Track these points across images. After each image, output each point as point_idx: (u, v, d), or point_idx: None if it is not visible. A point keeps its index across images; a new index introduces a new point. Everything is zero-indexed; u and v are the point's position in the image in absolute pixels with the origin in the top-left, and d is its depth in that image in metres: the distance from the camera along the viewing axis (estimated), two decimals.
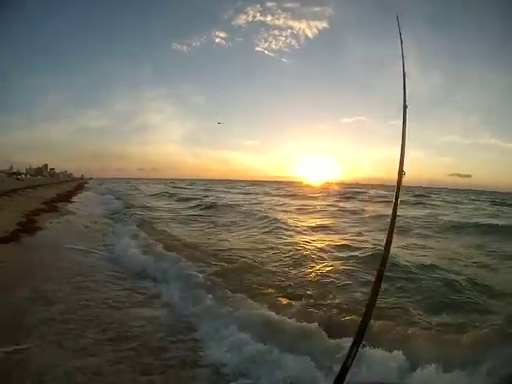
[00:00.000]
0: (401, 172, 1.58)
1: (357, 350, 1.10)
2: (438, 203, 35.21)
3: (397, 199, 1.50)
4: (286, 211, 22.49)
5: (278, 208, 24.53)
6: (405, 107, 1.75)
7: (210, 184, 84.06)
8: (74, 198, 25.28)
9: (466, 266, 8.86)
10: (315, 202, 30.94)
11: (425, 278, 7.38)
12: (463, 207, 31.26)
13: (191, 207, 24.03)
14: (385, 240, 1.36)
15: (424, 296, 6.38)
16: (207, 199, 29.03)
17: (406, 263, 8.31)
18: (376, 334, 4.39)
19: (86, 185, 58.36)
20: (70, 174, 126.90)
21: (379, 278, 1.28)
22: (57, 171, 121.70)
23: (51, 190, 29.16)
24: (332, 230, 14.59)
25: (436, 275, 7.51)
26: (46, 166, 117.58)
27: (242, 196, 39.46)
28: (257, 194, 45.66)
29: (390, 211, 1.46)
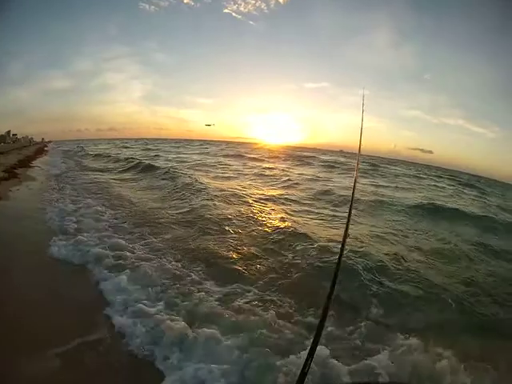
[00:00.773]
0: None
1: (312, 357, 1.14)
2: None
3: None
4: (210, 173, 22.77)
5: (210, 170, 24.50)
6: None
7: (163, 143, 78.64)
8: (34, 163, 25.29)
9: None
10: (250, 164, 31.17)
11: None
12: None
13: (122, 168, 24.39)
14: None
15: None
16: (143, 160, 27.50)
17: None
18: None
19: (45, 148, 56.36)
20: (31, 138, 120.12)
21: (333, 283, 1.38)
22: (19, 136, 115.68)
23: (12, 157, 28.61)
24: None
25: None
26: (8, 132, 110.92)
27: (182, 156, 37.92)
28: (205, 154, 43.86)
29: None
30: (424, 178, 36.30)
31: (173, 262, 6.72)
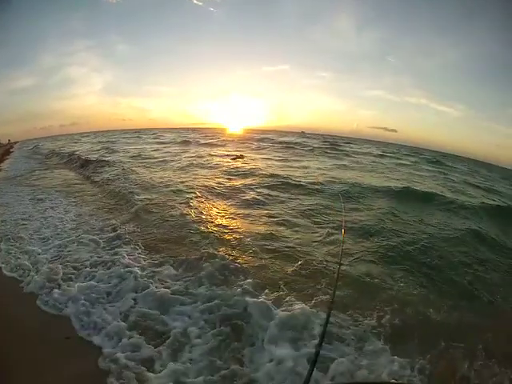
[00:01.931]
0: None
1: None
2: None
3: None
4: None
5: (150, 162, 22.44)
6: None
7: (122, 134, 70.38)
8: (2, 166, 24.99)
9: None
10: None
11: None
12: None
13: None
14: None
15: None
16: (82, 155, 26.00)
17: None
18: None
19: (11, 150, 53.95)
20: None
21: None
22: None
23: None
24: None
25: None
26: None
27: (130, 147, 34.28)
28: (158, 143, 39.68)
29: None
30: (388, 157, 35.40)
31: None
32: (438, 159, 40.32)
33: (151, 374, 3.79)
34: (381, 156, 35.16)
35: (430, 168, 28.69)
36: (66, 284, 5.70)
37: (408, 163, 30.76)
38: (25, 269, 6.33)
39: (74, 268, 6.29)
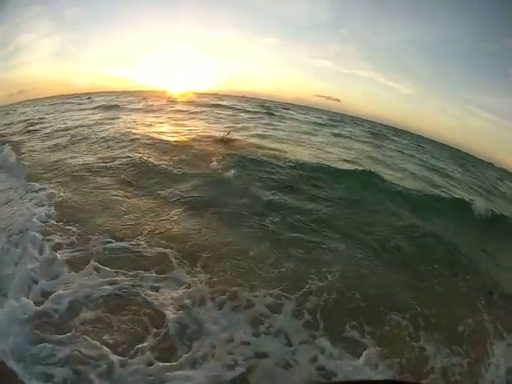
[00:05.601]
0: None
1: None
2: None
3: None
4: None
5: None
6: None
7: (59, 101, 49.65)
8: None
9: None
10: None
11: None
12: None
13: None
14: None
15: None
16: None
17: None
18: None
19: None
20: None
21: None
22: None
23: None
24: None
25: None
26: None
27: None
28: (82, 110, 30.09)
29: None
30: (329, 126, 33.73)
31: None
32: (383, 131, 40.65)
33: None
34: (321, 125, 33.00)
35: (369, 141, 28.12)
36: None
37: (345, 133, 29.65)
38: None
39: None
